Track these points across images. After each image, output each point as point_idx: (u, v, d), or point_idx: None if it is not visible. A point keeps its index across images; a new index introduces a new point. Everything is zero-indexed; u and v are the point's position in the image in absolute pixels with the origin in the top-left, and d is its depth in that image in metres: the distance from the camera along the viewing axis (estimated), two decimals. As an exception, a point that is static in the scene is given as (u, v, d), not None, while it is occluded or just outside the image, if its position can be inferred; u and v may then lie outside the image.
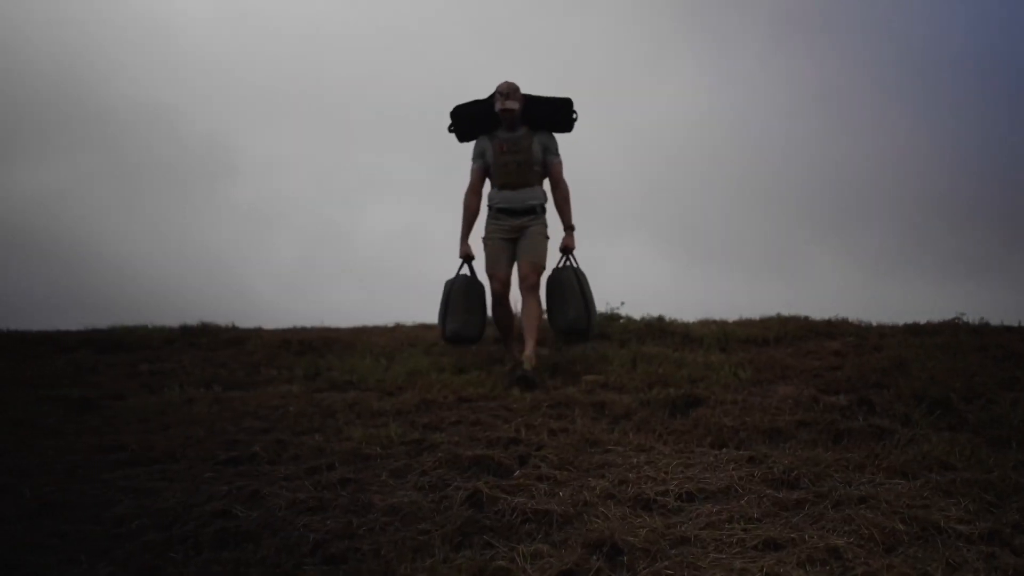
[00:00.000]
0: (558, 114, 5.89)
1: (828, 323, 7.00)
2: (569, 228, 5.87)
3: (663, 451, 4.10)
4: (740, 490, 3.47)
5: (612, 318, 7.58)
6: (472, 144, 6.06)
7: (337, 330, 8.45)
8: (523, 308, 5.88)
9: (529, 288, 5.79)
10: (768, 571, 2.68)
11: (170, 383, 6.20)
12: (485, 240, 5.92)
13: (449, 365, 6.19)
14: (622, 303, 7.97)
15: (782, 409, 4.59)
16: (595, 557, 2.85)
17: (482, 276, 6.12)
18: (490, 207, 5.95)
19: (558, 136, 5.98)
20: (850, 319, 7.12)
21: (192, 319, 8.27)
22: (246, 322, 8.69)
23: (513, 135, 5.91)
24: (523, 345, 5.91)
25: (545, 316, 6.18)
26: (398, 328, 8.53)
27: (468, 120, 6.00)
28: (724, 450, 4.10)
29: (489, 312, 6.09)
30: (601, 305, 8.31)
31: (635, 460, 3.94)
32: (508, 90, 5.86)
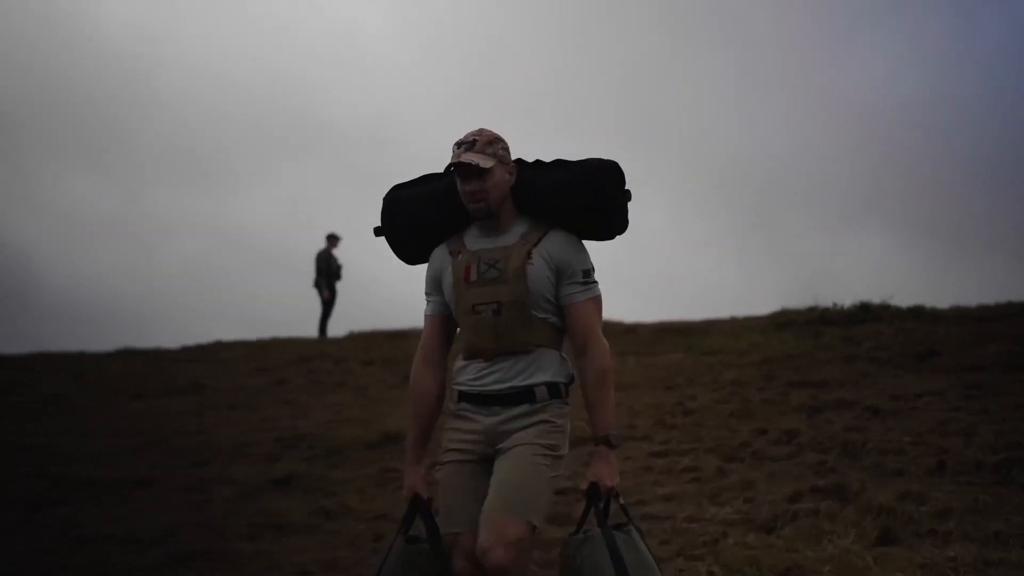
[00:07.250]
0: (589, 196, 2.61)
1: (1046, 304, 9.55)
2: (603, 442, 2.59)
3: (907, 377, 7.08)
4: (944, 391, 6.42)
5: (884, 308, 10.33)
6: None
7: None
8: None
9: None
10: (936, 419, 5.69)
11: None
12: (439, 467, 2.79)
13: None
14: (891, 296, 10.63)
15: (988, 356, 7.39)
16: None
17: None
18: (455, 391, 2.76)
19: (591, 245, 2.73)
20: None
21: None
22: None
23: (490, 244, 2.69)
24: None
25: None
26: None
27: (412, 216, 2.76)
28: (945, 375, 6.99)
29: None
30: (868, 295, 10.79)
31: (885, 382, 6.97)
32: (473, 138, 2.63)
